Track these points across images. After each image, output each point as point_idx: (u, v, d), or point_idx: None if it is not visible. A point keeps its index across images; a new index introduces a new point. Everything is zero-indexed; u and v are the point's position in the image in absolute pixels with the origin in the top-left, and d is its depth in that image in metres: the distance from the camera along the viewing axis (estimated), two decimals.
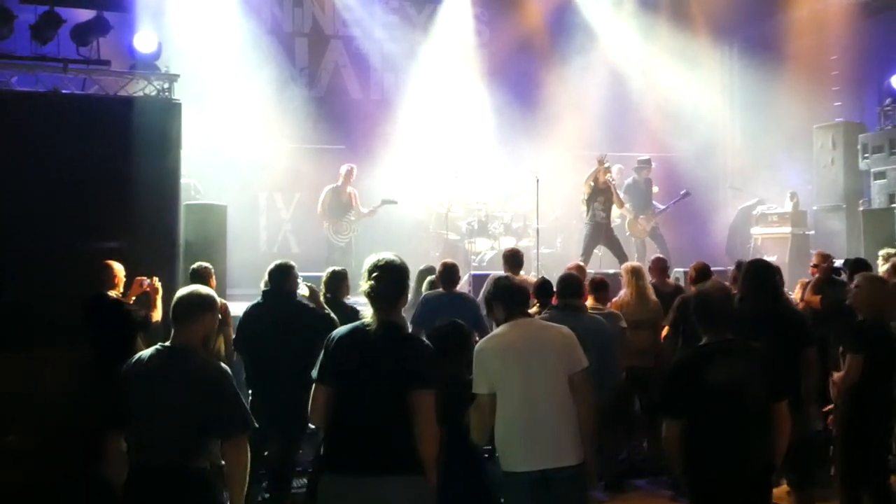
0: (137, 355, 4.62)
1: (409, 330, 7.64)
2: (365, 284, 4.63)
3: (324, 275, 8.15)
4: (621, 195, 13.62)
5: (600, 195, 12.81)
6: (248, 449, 4.55)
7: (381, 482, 4.39)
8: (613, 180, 13.02)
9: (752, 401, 4.74)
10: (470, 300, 8.56)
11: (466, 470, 4.90)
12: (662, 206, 14.13)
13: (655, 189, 14.32)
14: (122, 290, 7.77)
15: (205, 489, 4.45)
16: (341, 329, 4.71)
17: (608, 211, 12.97)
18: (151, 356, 4.56)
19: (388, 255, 4.70)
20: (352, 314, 7.13)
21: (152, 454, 4.39)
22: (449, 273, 8.48)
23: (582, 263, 9.94)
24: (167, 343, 4.59)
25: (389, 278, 4.61)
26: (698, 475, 4.86)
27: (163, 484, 4.36)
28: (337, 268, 8.41)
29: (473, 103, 15.29)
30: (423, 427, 4.46)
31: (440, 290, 8.43)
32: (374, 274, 4.61)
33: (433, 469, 4.52)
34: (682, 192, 14.24)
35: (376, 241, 12.37)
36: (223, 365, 4.63)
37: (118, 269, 7.86)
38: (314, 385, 4.61)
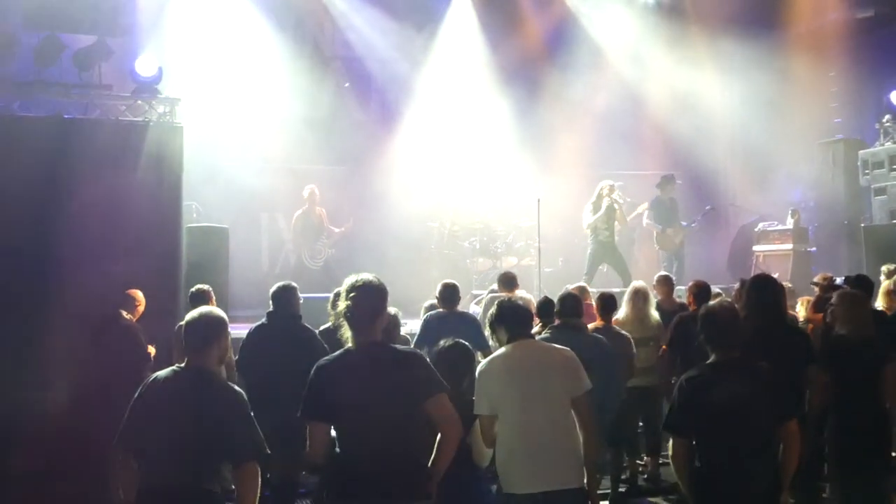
0: (153, 376, 4.60)
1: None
2: (342, 305, 4.55)
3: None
4: (647, 212, 13.71)
5: (604, 214, 12.84)
6: (259, 475, 4.52)
7: None
8: (622, 200, 13.08)
9: (761, 420, 4.74)
10: (472, 319, 8.55)
11: (464, 491, 4.89)
12: (688, 223, 14.13)
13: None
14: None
15: None
16: (324, 360, 4.57)
17: (612, 229, 13.00)
18: (168, 378, 4.54)
19: (366, 276, 4.63)
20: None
21: (164, 476, 4.37)
22: (449, 292, 8.46)
23: (584, 284, 9.94)
24: (183, 365, 4.58)
25: (366, 298, 4.53)
26: (706, 494, 4.85)
27: (173, 502, 4.35)
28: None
29: (474, 122, 15.32)
30: (447, 427, 4.45)
31: (441, 310, 8.42)
32: (352, 294, 4.54)
33: (439, 477, 4.50)
34: (707, 208, 14.26)
35: (377, 260, 12.40)
36: (240, 389, 4.60)
37: (141, 298, 7.93)
38: (309, 424, 4.46)
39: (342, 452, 4.48)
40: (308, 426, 4.48)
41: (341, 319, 4.54)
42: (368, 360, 4.46)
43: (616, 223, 13.08)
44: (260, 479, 4.53)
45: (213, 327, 4.64)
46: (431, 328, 8.01)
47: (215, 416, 4.42)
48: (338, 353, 4.58)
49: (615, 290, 10.24)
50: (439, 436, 4.49)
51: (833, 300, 6.47)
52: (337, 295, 6.91)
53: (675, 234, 13.71)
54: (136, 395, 4.54)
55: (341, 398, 4.40)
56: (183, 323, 4.71)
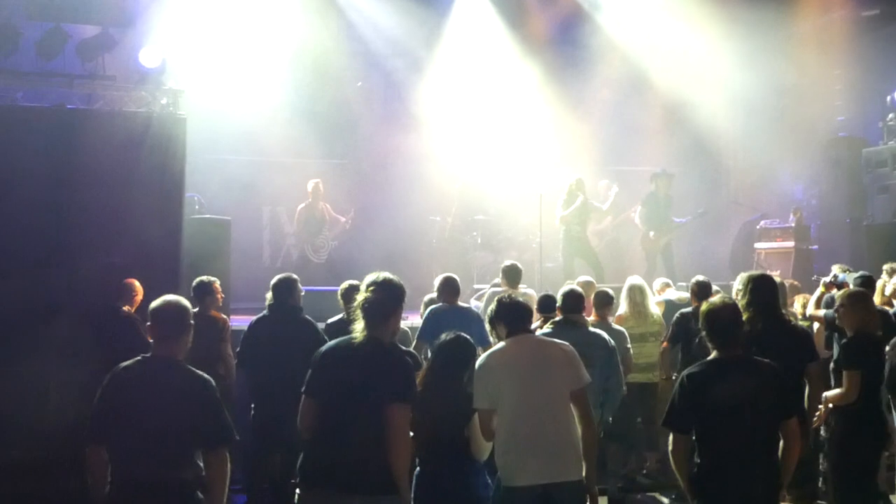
0: (119, 367, 4.59)
1: (413, 345, 7.71)
2: (360, 297, 4.73)
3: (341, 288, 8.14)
4: (639, 208, 13.65)
5: (576, 209, 12.82)
6: (229, 460, 4.55)
7: (352, 500, 4.43)
8: (615, 189, 13.04)
9: (762, 417, 4.75)
10: (475, 315, 8.52)
11: (460, 483, 4.92)
12: (680, 220, 13.99)
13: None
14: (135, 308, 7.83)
15: (187, 499, 4.45)
16: (329, 343, 4.85)
17: (583, 224, 12.98)
18: (133, 368, 4.54)
19: (387, 274, 4.82)
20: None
21: (136, 467, 4.39)
22: (449, 286, 8.44)
23: (592, 279, 9.89)
24: (148, 354, 4.58)
25: (384, 294, 4.69)
26: (705, 491, 4.85)
27: (146, 497, 4.36)
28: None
29: (475, 117, 15.30)
30: (396, 440, 4.50)
31: (443, 303, 8.41)
32: (371, 288, 4.72)
33: (406, 485, 4.58)
34: (700, 211, 14.13)
35: (379, 254, 12.41)
36: (207, 376, 4.62)
37: (138, 287, 7.93)
38: (303, 397, 4.72)
39: (317, 438, 4.61)
40: (302, 399, 4.72)
41: (356, 312, 4.66)
42: (359, 353, 4.60)
43: (594, 217, 13.04)
44: (229, 465, 4.55)
45: (183, 316, 4.66)
46: (433, 323, 8.00)
47: (183, 404, 4.43)
48: (343, 338, 4.77)
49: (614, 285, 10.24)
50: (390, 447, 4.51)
51: (841, 301, 6.48)
52: (349, 288, 6.95)
53: (658, 237, 13.52)
54: (103, 387, 4.52)
55: (326, 382, 4.63)
56: (151, 308, 4.66)
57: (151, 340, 4.61)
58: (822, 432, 6.36)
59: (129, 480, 4.40)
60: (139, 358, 4.58)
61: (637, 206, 13.98)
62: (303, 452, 4.73)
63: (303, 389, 4.74)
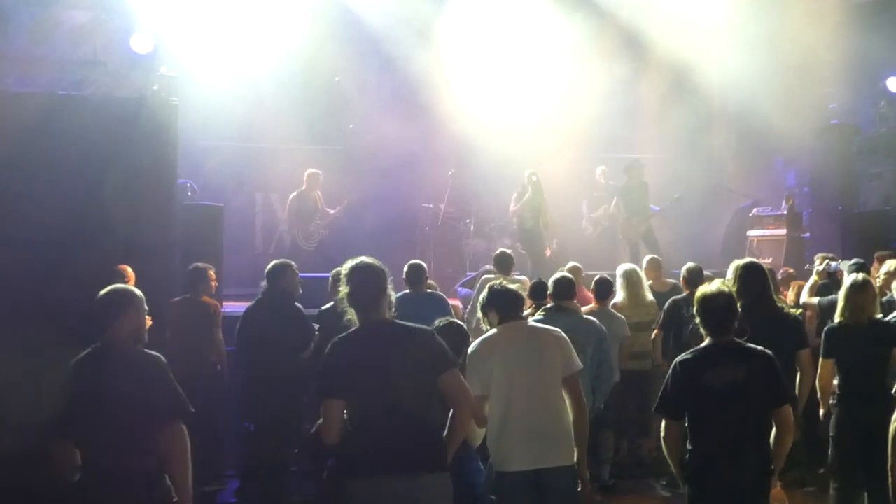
0: (74, 359, 4.60)
1: None
2: (344, 289, 4.65)
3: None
4: (615, 198, 13.68)
5: (528, 202, 12.88)
6: (187, 436, 4.53)
7: (418, 480, 4.41)
8: (609, 182, 13.03)
9: (754, 404, 4.78)
10: (440, 299, 8.40)
11: (453, 470, 4.95)
12: (657, 208, 14.02)
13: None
14: None
15: (154, 487, 4.46)
16: (338, 339, 4.64)
17: (536, 217, 13.01)
18: (85, 359, 4.57)
19: (365, 259, 4.74)
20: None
21: (101, 457, 4.40)
22: (415, 273, 8.30)
23: (578, 265, 9.88)
24: (98, 344, 4.60)
25: (367, 280, 4.64)
26: (697, 477, 4.88)
27: (113, 485, 4.37)
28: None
29: (468, 104, 15.26)
30: (461, 403, 4.53)
31: (408, 291, 8.20)
32: (352, 278, 4.65)
33: (454, 449, 4.61)
34: (676, 196, 14.13)
35: (371, 242, 12.39)
36: (156, 354, 4.62)
37: (130, 273, 7.93)
38: (324, 402, 4.53)
39: (357, 429, 4.49)
40: (323, 404, 4.54)
41: (345, 304, 4.62)
42: (382, 336, 4.55)
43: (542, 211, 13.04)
44: (188, 440, 4.53)
45: (120, 302, 4.67)
46: (401, 310, 7.88)
47: (137, 386, 4.43)
48: (350, 330, 4.64)
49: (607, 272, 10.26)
50: (451, 411, 4.56)
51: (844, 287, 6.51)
52: (337, 277, 6.93)
53: (639, 222, 13.56)
54: (62, 381, 4.55)
55: (355, 376, 4.46)
56: (97, 297, 4.69)
57: (100, 327, 4.61)
58: (820, 416, 6.41)
59: (94, 471, 4.42)
60: (90, 349, 4.60)
61: (614, 198, 14.04)
62: (344, 446, 4.53)
63: (321, 393, 4.56)
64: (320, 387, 4.55)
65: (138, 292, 4.81)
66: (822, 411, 6.57)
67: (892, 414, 6.15)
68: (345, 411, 4.50)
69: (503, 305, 5.42)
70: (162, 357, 4.60)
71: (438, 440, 4.54)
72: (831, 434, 6.33)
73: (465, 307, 9.57)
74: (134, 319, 4.68)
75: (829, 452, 6.37)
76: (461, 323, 5.75)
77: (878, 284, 8.01)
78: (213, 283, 8.44)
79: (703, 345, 4.93)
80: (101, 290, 7.85)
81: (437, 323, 5.66)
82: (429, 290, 8.41)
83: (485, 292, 5.55)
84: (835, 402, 6.33)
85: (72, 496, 4.47)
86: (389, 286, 4.74)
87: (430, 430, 4.51)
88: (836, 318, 6.40)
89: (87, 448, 4.45)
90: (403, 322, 4.71)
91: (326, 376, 4.55)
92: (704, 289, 5.02)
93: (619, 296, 8.80)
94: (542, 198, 13.04)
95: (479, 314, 5.65)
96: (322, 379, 4.56)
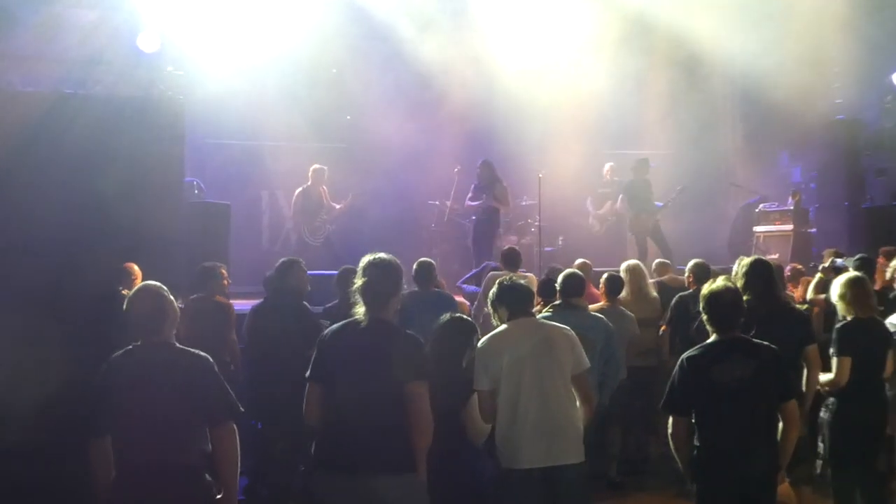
0: (113, 357, 4.58)
1: None
2: (359, 281, 4.69)
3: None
4: (621, 195, 13.67)
5: (485, 192, 12.82)
6: (237, 436, 4.54)
7: (375, 480, 4.43)
8: (616, 179, 13.01)
9: (761, 400, 4.78)
10: (449, 298, 8.37)
11: (459, 465, 4.94)
12: (661, 204, 13.98)
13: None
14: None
15: (196, 483, 4.45)
16: (333, 327, 4.79)
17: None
18: (127, 356, 4.54)
19: (383, 255, 4.77)
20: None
21: (140, 454, 4.38)
22: (425, 271, 8.21)
23: (587, 261, 9.85)
24: (139, 343, 4.56)
25: (383, 276, 4.67)
26: (705, 473, 4.89)
27: (152, 482, 4.35)
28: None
29: (474, 100, 15.24)
30: (419, 418, 4.52)
31: (416, 289, 8.13)
32: (368, 271, 4.68)
33: (423, 462, 4.57)
34: (679, 189, 14.09)
35: (377, 238, 12.39)
36: (203, 354, 4.61)
37: (137, 271, 7.93)
38: (308, 384, 4.69)
39: (328, 423, 4.58)
40: (307, 386, 4.68)
41: (355, 296, 4.63)
42: (367, 336, 4.59)
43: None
44: (237, 440, 4.53)
45: (162, 300, 4.61)
46: (408, 308, 7.85)
47: (183, 385, 4.42)
48: (346, 321, 4.72)
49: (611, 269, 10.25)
50: (412, 424, 4.54)
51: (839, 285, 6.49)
52: (345, 272, 6.92)
53: (647, 217, 13.55)
54: (98, 379, 4.52)
55: (334, 366, 4.59)
56: (130, 297, 4.65)
57: (141, 326, 4.58)
58: (821, 414, 6.38)
59: (134, 467, 4.39)
60: (130, 347, 4.57)
61: (620, 195, 14.02)
62: (315, 438, 4.68)
63: (307, 375, 4.70)
64: (309, 369, 4.71)
65: (167, 291, 4.74)
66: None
67: (888, 410, 6.22)
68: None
69: (513, 301, 5.42)
70: (209, 357, 4.59)
71: (404, 443, 4.52)
72: (830, 428, 6.30)
73: (470, 304, 9.53)
74: (175, 317, 4.67)
75: (825, 445, 6.36)
76: (468, 318, 5.74)
77: (886, 278, 8.02)
78: (226, 282, 8.44)
79: (709, 341, 4.93)
80: (108, 287, 7.93)
81: (445, 317, 5.66)
82: (436, 289, 8.38)
83: (494, 287, 5.55)
84: (834, 397, 6.30)
85: (109, 493, 4.44)
86: (402, 286, 4.80)
87: (396, 432, 4.51)
88: (844, 315, 6.37)
89: (125, 446, 4.43)
90: (396, 326, 4.76)
91: (314, 360, 4.70)
92: (710, 285, 5.02)
93: (624, 291, 8.79)
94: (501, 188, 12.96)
95: (490, 309, 5.64)
96: (312, 362, 4.71)
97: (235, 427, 4.54)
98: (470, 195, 13.21)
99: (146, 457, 4.37)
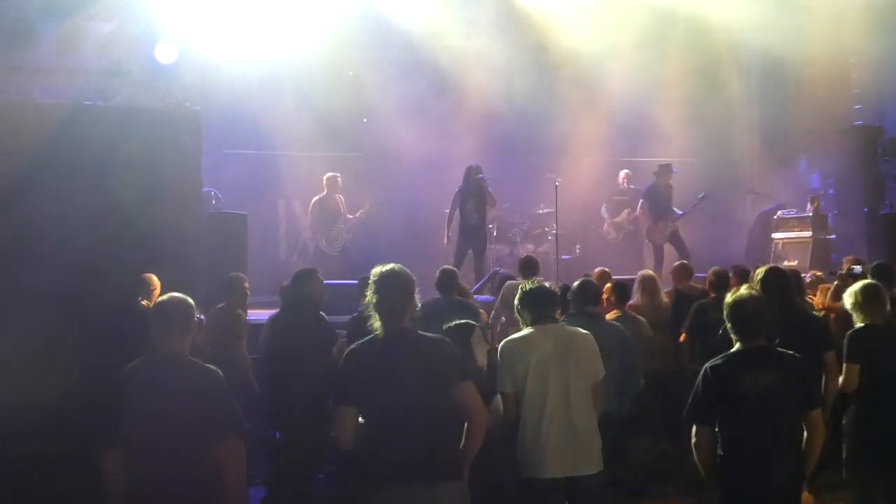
0: (127, 368, 4.59)
1: None
2: (373, 297, 4.62)
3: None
4: (642, 200, 13.62)
5: (472, 196, 12.65)
6: (244, 451, 4.56)
7: (432, 490, 4.40)
8: (632, 186, 12.97)
9: (785, 409, 4.75)
10: (470, 306, 8.27)
11: (479, 474, 4.93)
12: (681, 212, 13.94)
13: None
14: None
15: (205, 497, 4.46)
16: (355, 346, 4.66)
17: (482, 212, 12.75)
18: (139, 368, 4.55)
19: (394, 267, 4.71)
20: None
21: (152, 466, 4.39)
22: (447, 278, 8.18)
23: (606, 269, 9.82)
24: (154, 354, 4.57)
25: (397, 288, 4.61)
26: (728, 482, 4.86)
27: (164, 494, 4.37)
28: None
29: (488, 107, 15.25)
30: (474, 415, 4.53)
31: (439, 296, 8.10)
32: (381, 285, 4.61)
33: (467, 467, 4.57)
34: (700, 196, 14.05)
35: (394, 246, 12.41)
36: (213, 368, 4.62)
37: (156, 282, 7.96)
38: (338, 408, 4.55)
39: (372, 438, 4.49)
40: (337, 411, 4.55)
41: (371, 310, 4.59)
42: (398, 347, 4.52)
43: (487, 206, 12.80)
44: (244, 456, 4.57)
45: (186, 313, 4.63)
46: (430, 315, 7.82)
47: (191, 399, 4.43)
48: (367, 339, 4.63)
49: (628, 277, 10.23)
50: (466, 424, 4.54)
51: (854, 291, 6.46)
52: (364, 283, 6.91)
53: (665, 225, 13.52)
54: (112, 390, 4.54)
55: (371, 384, 4.46)
56: (153, 308, 4.67)
57: (155, 337, 4.59)
58: (843, 421, 6.35)
59: (146, 479, 4.41)
60: (144, 357, 4.59)
61: (640, 199, 13.97)
62: (360, 455, 4.55)
63: (335, 399, 4.60)
64: (335, 394, 4.61)
65: (191, 301, 4.77)
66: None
67: None
68: (360, 419, 4.51)
69: (536, 305, 5.41)
70: (218, 371, 4.60)
71: (454, 450, 4.53)
72: (851, 434, 6.26)
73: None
74: (192, 331, 4.68)
75: (847, 451, 6.32)
76: (473, 323, 5.73)
77: None
78: (247, 292, 8.49)
79: (733, 350, 4.90)
80: (126, 298, 7.96)
81: (450, 324, 5.66)
82: (459, 298, 8.36)
83: (518, 292, 5.54)
84: (854, 403, 6.27)
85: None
86: (416, 295, 4.73)
87: (445, 439, 4.50)
88: (858, 322, 6.35)
89: (137, 457, 4.45)
90: (423, 332, 4.71)
91: (341, 384, 4.59)
92: (734, 293, 4.99)
93: (635, 298, 8.81)
94: (487, 191, 12.68)
95: (516, 314, 5.62)
96: (337, 386, 4.61)
97: (241, 444, 4.56)
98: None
99: (156, 469, 4.38)
